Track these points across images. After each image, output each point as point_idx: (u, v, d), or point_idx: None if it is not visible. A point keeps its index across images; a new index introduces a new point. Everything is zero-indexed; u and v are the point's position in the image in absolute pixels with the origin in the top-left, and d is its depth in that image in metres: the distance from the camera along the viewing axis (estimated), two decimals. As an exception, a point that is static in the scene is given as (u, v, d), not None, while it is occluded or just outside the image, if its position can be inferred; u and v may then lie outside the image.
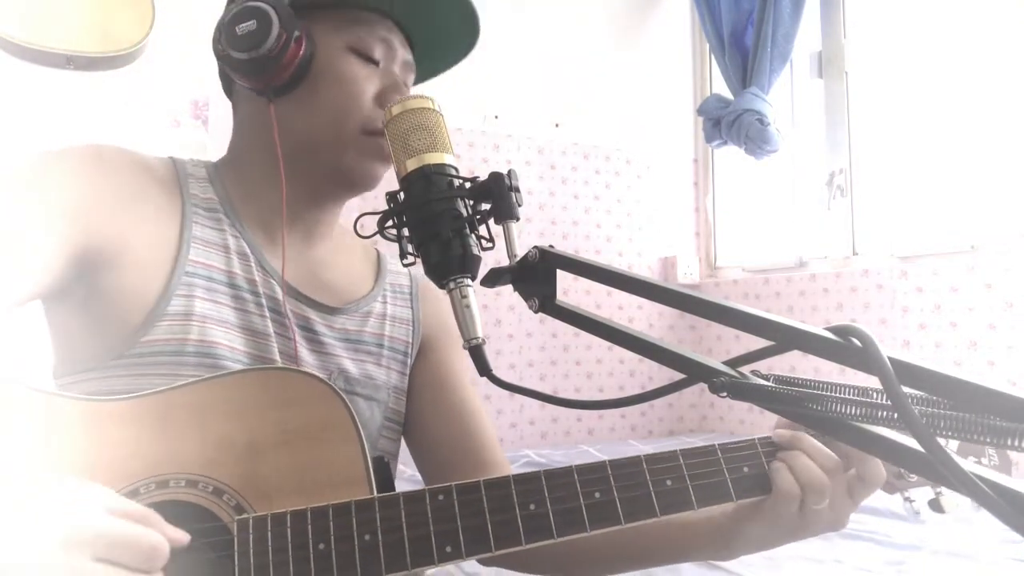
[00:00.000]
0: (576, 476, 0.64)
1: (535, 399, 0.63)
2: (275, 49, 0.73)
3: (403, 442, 0.91)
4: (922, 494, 0.74)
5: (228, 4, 0.79)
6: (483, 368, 0.62)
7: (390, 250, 0.72)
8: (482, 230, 0.65)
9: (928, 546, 1.46)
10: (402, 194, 0.65)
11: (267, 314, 0.78)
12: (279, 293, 0.79)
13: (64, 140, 0.73)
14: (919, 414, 0.37)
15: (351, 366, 0.83)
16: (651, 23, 3.23)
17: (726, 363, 0.51)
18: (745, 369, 0.54)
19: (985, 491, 0.35)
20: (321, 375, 0.70)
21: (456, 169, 0.65)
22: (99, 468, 0.59)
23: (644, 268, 3.13)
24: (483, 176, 0.65)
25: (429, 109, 0.67)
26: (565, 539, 0.62)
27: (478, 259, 0.63)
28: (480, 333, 0.62)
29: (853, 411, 0.41)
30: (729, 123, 2.71)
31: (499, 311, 2.77)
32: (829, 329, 0.44)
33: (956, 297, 2.20)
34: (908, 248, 2.43)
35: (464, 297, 0.62)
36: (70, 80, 1.94)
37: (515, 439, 2.76)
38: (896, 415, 0.39)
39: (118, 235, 0.71)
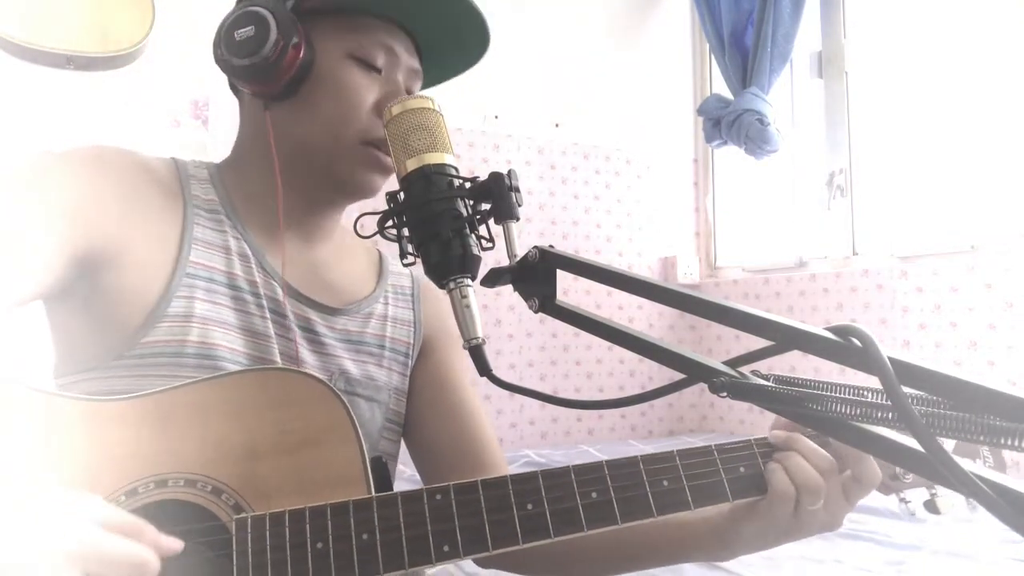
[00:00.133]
0: (573, 476, 0.64)
1: (535, 399, 0.64)
2: (272, 56, 0.73)
3: (402, 443, 0.91)
4: (917, 495, 0.74)
5: (237, 4, 0.79)
6: (483, 368, 0.62)
7: (390, 250, 0.72)
8: (482, 230, 0.65)
9: (928, 546, 1.46)
10: (402, 194, 0.65)
11: (268, 315, 0.78)
12: (280, 294, 0.79)
13: (64, 140, 0.73)
14: (919, 414, 0.37)
15: (352, 367, 0.83)
16: (651, 23, 3.23)
17: (726, 363, 0.51)
18: (745, 369, 0.54)
19: (985, 491, 0.35)
20: (321, 376, 0.70)
21: (456, 169, 0.65)
22: (98, 467, 0.59)
23: (644, 268, 3.13)
24: (483, 176, 0.65)
25: (429, 109, 0.67)
26: (562, 539, 0.62)
27: (478, 259, 0.63)
28: (480, 333, 0.62)
29: (853, 411, 0.41)
30: (729, 123, 2.71)
31: (499, 311, 2.77)
32: (829, 329, 0.44)
33: (956, 297, 2.20)
34: (908, 248, 2.43)
35: (464, 297, 0.62)
36: (70, 80, 1.94)
37: (515, 439, 2.76)
38: (896, 415, 0.39)
39: (119, 236, 0.71)
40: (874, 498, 0.73)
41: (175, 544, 0.53)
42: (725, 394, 0.48)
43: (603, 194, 3.05)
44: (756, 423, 2.87)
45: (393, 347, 0.89)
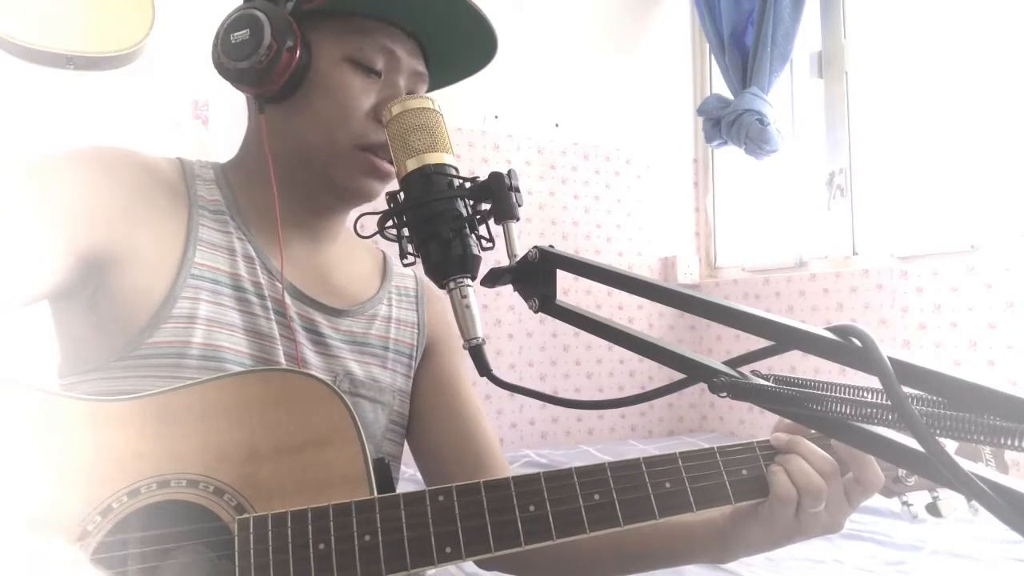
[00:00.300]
0: (576, 478, 0.64)
1: (535, 399, 0.63)
2: (265, 59, 0.73)
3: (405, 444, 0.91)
4: (920, 498, 0.74)
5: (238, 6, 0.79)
6: (483, 368, 0.63)
7: (391, 251, 0.72)
8: (482, 230, 0.65)
9: (928, 546, 1.46)
10: (402, 194, 0.65)
11: (272, 316, 0.78)
12: (286, 296, 0.79)
13: (65, 140, 0.74)
14: (919, 414, 0.37)
15: (356, 368, 0.83)
16: (651, 23, 3.23)
17: (726, 363, 0.51)
18: (745, 369, 0.54)
19: (985, 491, 0.35)
20: (325, 377, 0.69)
21: (456, 169, 0.65)
22: (101, 468, 0.59)
23: (644, 268, 3.13)
24: (483, 176, 0.65)
25: (429, 109, 0.67)
26: (564, 540, 0.62)
27: (478, 259, 0.63)
28: (480, 333, 0.62)
29: (853, 411, 0.41)
30: (729, 123, 2.71)
31: (499, 311, 2.77)
32: (829, 329, 0.44)
33: (956, 297, 2.20)
34: (908, 248, 2.43)
35: (464, 297, 0.62)
36: (70, 80, 1.94)
37: (515, 439, 2.76)
38: (896, 415, 0.39)
39: (124, 237, 0.71)
40: (875, 499, 0.73)
41: None
42: (725, 394, 0.48)
43: (603, 194, 3.05)
44: (756, 423, 2.87)
45: (397, 349, 0.89)
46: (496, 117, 2.84)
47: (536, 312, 0.62)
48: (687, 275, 3.15)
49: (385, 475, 0.66)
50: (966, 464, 0.36)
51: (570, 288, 2.74)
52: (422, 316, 0.93)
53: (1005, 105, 2.22)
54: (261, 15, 0.73)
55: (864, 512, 1.63)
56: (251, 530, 0.57)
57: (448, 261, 0.62)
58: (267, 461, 0.63)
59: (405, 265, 0.67)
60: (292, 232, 0.82)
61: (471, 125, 2.78)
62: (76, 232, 0.69)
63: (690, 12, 3.26)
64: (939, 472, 0.36)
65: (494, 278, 0.64)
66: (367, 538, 0.58)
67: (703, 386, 0.49)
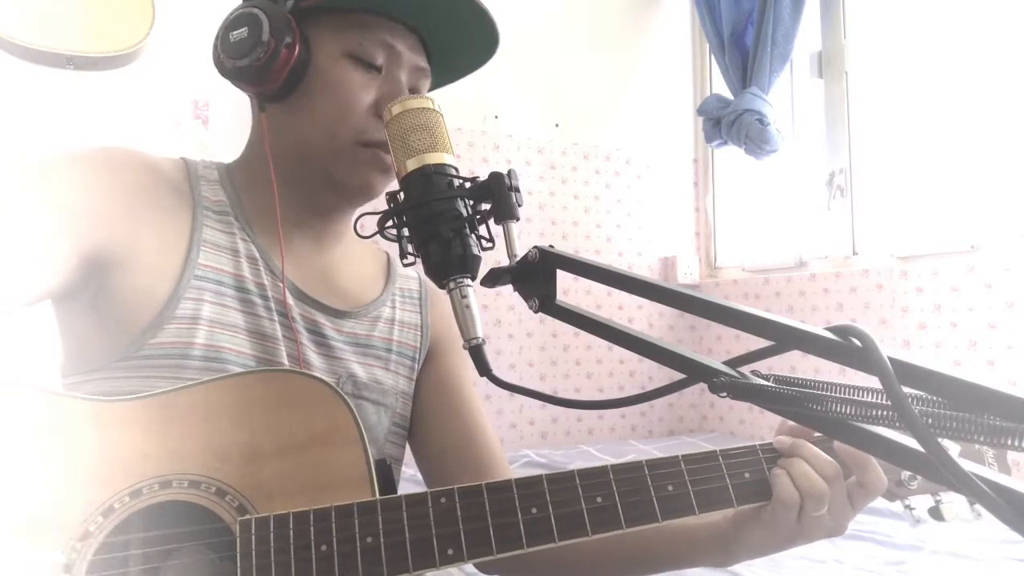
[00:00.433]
0: (578, 480, 0.64)
1: (535, 399, 0.64)
2: (264, 56, 0.73)
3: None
4: (922, 502, 0.74)
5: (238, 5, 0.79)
6: (483, 368, 0.63)
7: (395, 251, 0.72)
8: (482, 230, 0.65)
9: (928, 546, 1.46)
10: (402, 194, 0.65)
11: (276, 318, 0.78)
12: (289, 297, 0.79)
13: (65, 140, 0.74)
14: (919, 414, 0.37)
15: (359, 370, 0.83)
16: (651, 23, 3.23)
17: (726, 363, 0.51)
18: (745, 369, 0.54)
19: (985, 491, 0.35)
20: (328, 378, 0.69)
21: (456, 169, 0.65)
22: (103, 468, 0.59)
23: (644, 268, 3.13)
24: (483, 176, 0.65)
25: (429, 109, 0.67)
26: (566, 543, 0.62)
27: (478, 259, 0.63)
28: (480, 333, 0.62)
29: (853, 411, 0.41)
30: (729, 123, 2.71)
31: (499, 311, 2.77)
32: (829, 329, 0.44)
33: (956, 297, 2.20)
34: (908, 248, 2.43)
35: (464, 297, 0.62)
36: (70, 80, 1.94)
37: (515, 439, 2.76)
38: (896, 415, 0.39)
39: (128, 237, 0.71)
40: (877, 501, 0.73)
41: None
42: (725, 394, 0.48)
43: (603, 194, 3.05)
44: (756, 423, 2.87)
45: (400, 351, 0.89)
46: (496, 117, 2.84)
47: (536, 312, 0.62)
48: (687, 275, 3.15)
49: (387, 476, 0.66)
50: (966, 464, 0.36)
51: (570, 288, 2.74)
52: (425, 318, 0.93)
53: (1005, 105, 2.22)
54: (259, 13, 0.73)
55: (864, 512, 1.61)
56: (253, 531, 0.57)
57: (448, 261, 0.62)
58: (269, 462, 0.63)
59: (405, 265, 0.67)
60: (295, 233, 0.82)
61: (471, 125, 2.78)
62: (79, 232, 0.69)
63: (690, 12, 3.26)
64: (939, 472, 0.36)
65: (494, 278, 0.64)
66: (369, 540, 0.58)
67: (703, 386, 0.49)
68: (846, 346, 0.42)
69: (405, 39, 0.80)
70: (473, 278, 0.63)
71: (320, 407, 0.65)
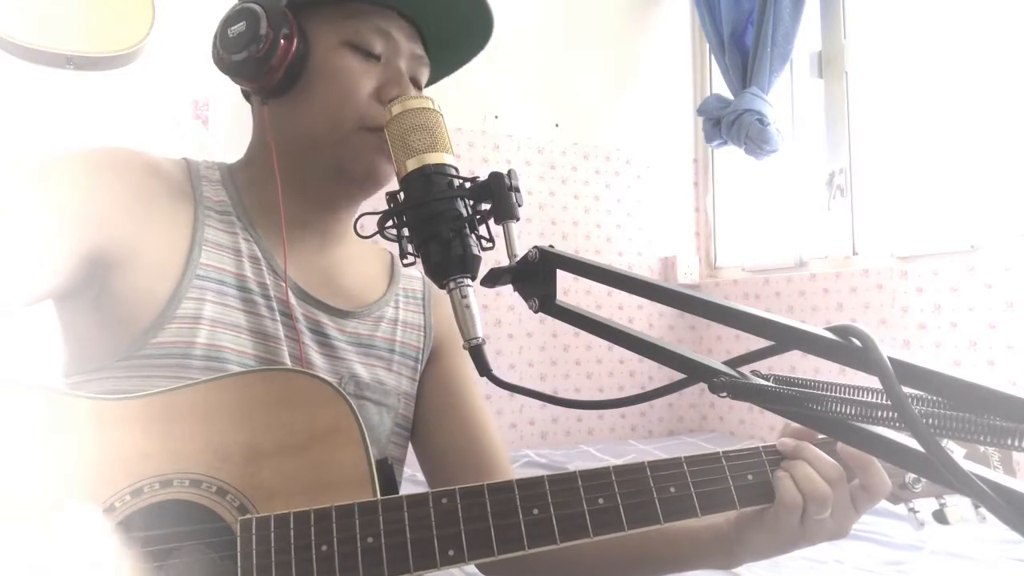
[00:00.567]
0: (580, 482, 0.64)
1: (535, 399, 0.63)
2: (262, 49, 0.73)
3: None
4: (926, 505, 0.73)
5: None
6: (483, 368, 0.63)
7: (395, 251, 0.72)
8: (482, 230, 0.65)
9: (928, 546, 1.46)
10: (402, 194, 0.65)
11: (278, 317, 0.78)
12: (291, 296, 0.79)
13: (65, 140, 0.74)
14: (919, 414, 0.37)
15: (362, 370, 0.83)
16: (651, 23, 3.23)
17: (726, 363, 0.51)
18: (745, 369, 0.54)
19: (985, 491, 0.35)
20: (330, 378, 0.69)
21: (456, 169, 0.65)
22: (104, 466, 0.59)
23: (644, 268, 3.13)
24: (483, 176, 0.65)
25: (429, 109, 0.67)
26: (568, 545, 0.62)
27: (478, 259, 0.63)
28: (480, 333, 0.62)
29: (853, 411, 0.41)
30: (729, 123, 2.71)
31: (499, 311, 2.77)
32: (829, 329, 0.44)
33: (956, 297, 2.20)
34: (908, 248, 2.42)
35: (464, 297, 0.62)
36: (70, 80, 1.94)
37: (515, 439, 2.76)
38: (896, 415, 0.39)
39: (129, 237, 0.71)
40: (880, 503, 0.73)
41: None
42: (725, 394, 0.48)
43: (603, 194, 3.05)
44: (756, 423, 2.87)
45: (403, 351, 0.88)
46: (496, 117, 2.84)
47: (536, 312, 0.62)
48: (687, 275, 3.15)
49: (388, 477, 0.66)
50: (967, 464, 0.36)
51: (570, 288, 2.74)
52: (429, 318, 0.93)
53: (1005, 105, 2.22)
54: (257, 7, 0.74)
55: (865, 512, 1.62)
56: (253, 531, 0.57)
57: (448, 261, 0.62)
58: (270, 461, 0.63)
59: (405, 265, 0.67)
60: (299, 232, 0.82)
61: (471, 125, 2.78)
62: (81, 232, 0.69)
63: (690, 12, 3.26)
64: (939, 472, 0.36)
65: (494, 278, 0.64)
66: (370, 540, 0.58)
67: (703, 386, 0.49)
68: (846, 346, 0.42)
69: (401, 27, 0.81)
70: (473, 278, 0.64)
71: (322, 407, 0.65)
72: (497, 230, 0.65)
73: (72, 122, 2.07)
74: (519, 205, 0.65)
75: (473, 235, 0.64)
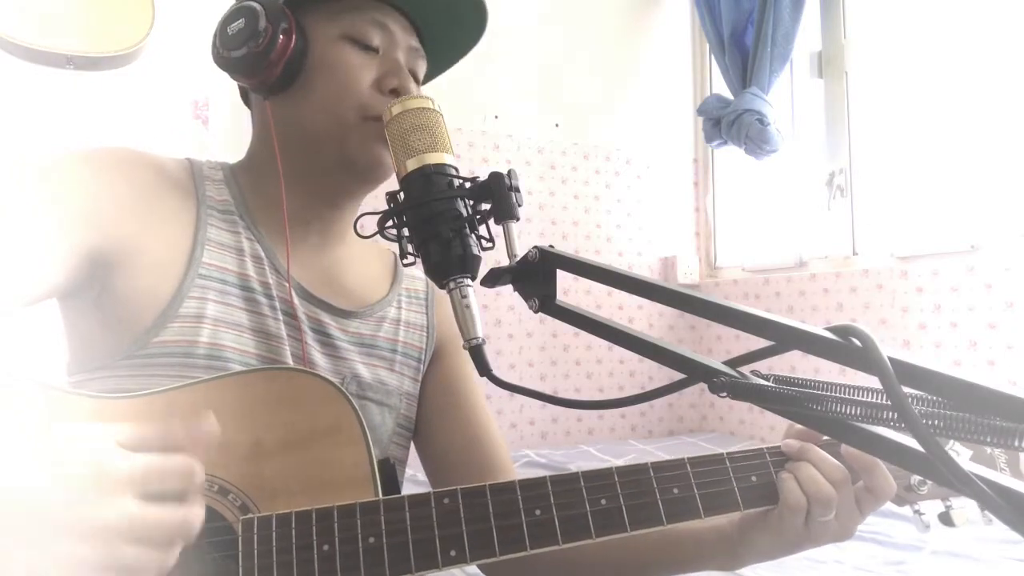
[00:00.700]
0: (582, 482, 0.64)
1: (535, 399, 0.63)
2: (261, 45, 0.74)
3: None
4: (932, 507, 0.73)
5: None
6: (483, 368, 0.63)
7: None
8: (482, 230, 0.65)
9: (928, 546, 1.46)
10: (402, 194, 0.65)
11: (280, 317, 0.78)
12: (294, 296, 0.79)
13: (65, 140, 0.74)
14: (919, 414, 0.37)
15: (364, 371, 0.83)
16: (651, 23, 3.23)
17: (726, 363, 0.51)
18: (745, 369, 0.54)
19: (984, 491, 0.35)
20: (332, 378, 0.70)
21: (456, 169, 0.65)
22: None
23: (644, 268, 3.13)
24: (483, 176, 0.65)
25: (429, 109, 0.67)
26: (570, 546, 0.61)
27: (478, 259, 0.63)
28: (480, 333, 0.62)
29: (853, 411, 0.41)
30: (729, 123, 2.71)
31: (499, 311, 2.77)
32: (829, 329, 0.44)
33: (956, 297, 2.20)
34: (908, 248, 2.43)
35: (464, 297, 0.62)
36: (70, 80, 1.94)
37: (515, 439, 2.76)
38: (896, 415, 0.39)
39: (132, 237, 0.72)
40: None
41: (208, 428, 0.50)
42: (725, 394, 0.48)
43: (603, 194, 3.05)
44: (756, 423, 2.87)
45: (405, 351, 0.88)
46: (496, 117, 2.83)
47: (536, 312, 0.62)
48: (687, 275, 3.15)
49: (390, 476, 0.66)
50: (967, 464, 0.36)
51: (570, 288, 2.74)
52: (431, 319, 0.93)
53: (1005, 105, 2.22)
54: (255, 4, 0.75)
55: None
56: (255, 530, 0.57)
57: (448, 261, 0.62)
58: (272, 461, 0.63)
59: (405, 265, 0.67)
60: (302, 231, 0.82)
61: (471, 125, 2.78)
62: (83, 232, 0.69)
63: (690, 12, 3.26)
64: (939, 472, 0.36)
65: (494, 278, 0.64)
66: (371, 540, 0.58)
67: (703, 386, 0.49)
68: (846, 346, 0.42)
69: (397, 20, 0.82)
70: (473, 278, 0.64)
71: (324, 406, 0.65)
72: (497, 230, 0.65)
73: (72, 122, 2.07)
74: (519, 205, 0.65)
75: (473, 235, 0.64)
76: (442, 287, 0.63)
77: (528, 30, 2.86)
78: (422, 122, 0.66)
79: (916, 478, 0.72)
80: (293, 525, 0.57)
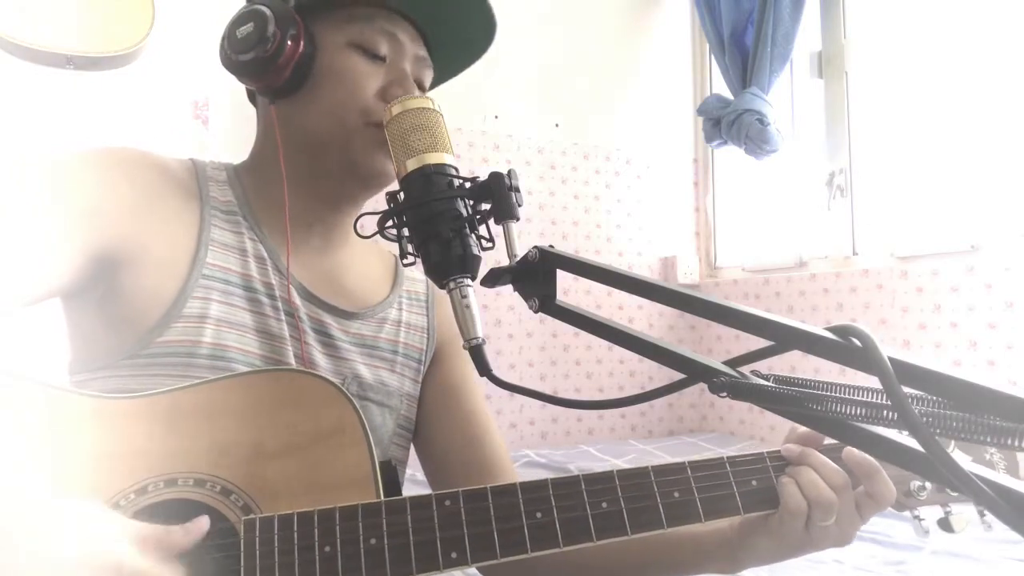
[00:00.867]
0: (583, 485, 0.64)
1: (535, 399, 0.64)
2: (270, 49, 0.74)
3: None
4: (932, 512, 0.73)
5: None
6: (483, 368, 0.63)
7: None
8: (482, 230, 0.65)
9: (928, 546, 1.46)
10: (402, 194, 0.65)
11: (283, 317, 0.78)
12: (295, 296, 0.79)
13: (65, 140, 0.74)
14: (919, 414, 0.37)
15: (365, 372, 0.83)
16: (651, 23, 3.23)
17: (726, 363, 0.51)
18: (745, 369, 0.54)
19: (984, 490, 0.35)
20: (333, 379, 0.70)
21: (456, 169, 0.65)
22: (108, 465, 0.59)
23: (644, 268, 3.13)
24: (483, 176, 0.65)
25: (429, 109, 0.67)
26: (570, 548, 0.61)
27: (478, 259, 0.63)
28: (480, 333, 0.62)
29: (853, 411, 0.41)
30: (729, 123, 2.71)
31: (499, 311, 2.77)
32: (829, 329, 0.44)
33: (956, 297, 2.20)
34: (908, 248, 2.42)
35: (464, 297, 0.62)
36: (70, 80, 1.94)
37: (515, 439, 2.76)
38: (896, 415, 0.39)
39: (136, 237, 0.72)
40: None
41: (200, 531, 0.56)
42: (725, 394, 0.48)
43: (603, 194, 3.05)
44: (756, 423, 2.87)
45: (406, 353, 0.89)
46: (496, 117, 2.84)
47: (536, 312, 0.62)
48: (687, 275, 3.15)
49: (391, 478, 0.66)
50: (966, 464, 0.36)
51: (570, 288, 2.74)
52: (432, 320, 0.93)
53: (1005, 105, 2.22)
54: (265, 9, 0.75)
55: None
56: (257, 531, 0.57)
57: (448, 261, 0.62)
58: (274, 462, 0.63)
59: (405, 265, 0.67)
60: (304, 233, 0.83)
61: (471, 125, 2.78)
62: (87, 232, 0.69)
63: (690, 12, 3.26)
64: (939, 472, 0.36)
65: (494, 278, 0.64)
66: (373, 542, 0.58)
67: (703, 386, 0.50)
68: (846, 346, 0.42)
69: (405, 29, 0.82)
70: (473, 278, 0.64)
71: (326, 407, 0.65)
72: (497, 230, 0.65)
73: (72, 122, 2.07)
74: (519, 205, 0.65)
75: (473, 235, 0.64)
76: (442, 287, 0.63)
77: (528, 30, 2.86)
78: (422, 122, 0.66)
79: (916, 483, 0.72)
80: (295, 526, 0.57)
